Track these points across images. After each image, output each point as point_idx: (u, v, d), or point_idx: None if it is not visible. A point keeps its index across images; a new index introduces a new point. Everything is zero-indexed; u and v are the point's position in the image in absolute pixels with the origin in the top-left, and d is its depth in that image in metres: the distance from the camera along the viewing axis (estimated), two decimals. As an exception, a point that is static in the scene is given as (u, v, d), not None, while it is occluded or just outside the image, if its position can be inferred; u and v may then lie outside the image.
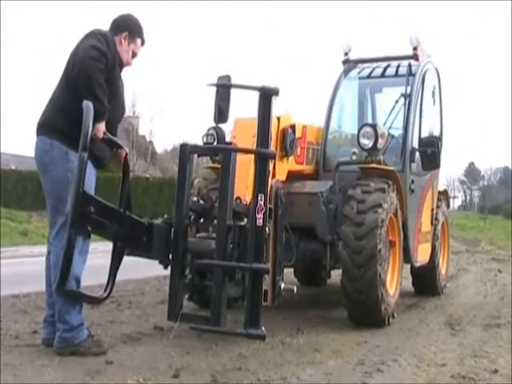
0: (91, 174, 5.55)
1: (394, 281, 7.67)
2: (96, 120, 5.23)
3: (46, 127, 5.59)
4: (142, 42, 6.05)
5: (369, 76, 9.60)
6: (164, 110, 56.61)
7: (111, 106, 5.56)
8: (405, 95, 8.61)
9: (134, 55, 6.00)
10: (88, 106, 4.98)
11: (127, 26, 5.91)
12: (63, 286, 4.93)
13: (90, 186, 5.47)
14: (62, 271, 4.87)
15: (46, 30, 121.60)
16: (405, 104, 8.60)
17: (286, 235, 6.52)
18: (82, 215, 5.01)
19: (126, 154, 5.84)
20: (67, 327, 5.40)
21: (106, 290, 5.54)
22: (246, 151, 5.95)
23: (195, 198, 5.99)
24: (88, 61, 5.31)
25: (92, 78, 5.29)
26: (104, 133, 5.45)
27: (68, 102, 5.45)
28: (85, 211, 5.02)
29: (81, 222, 5.07)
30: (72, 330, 5.41)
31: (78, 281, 5.45)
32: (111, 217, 5.40)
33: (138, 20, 6.03)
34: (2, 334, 6.10)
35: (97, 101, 5.25)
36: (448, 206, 10.86)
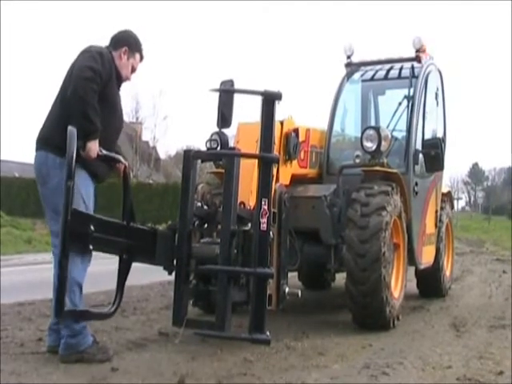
0: (89, 189, 5.64)
1: (399, 283, 7.66)
2: (87, 140, 5.30)
3: (42, 142, 5.65)
4: (141, 58, 6.10)
5: (371, 78, 9.61)
6: (167, 115, 56.43)
7: (108, 121, 5.62)
8: (408, 97, 8.62)
9: (133, 70, 6.05)
10: (72, 132, 4.97)
11: (126, 42, 5.95)
12: (62, 310, 4.93)
13: (88, 202, 5.55)
14: (58, 298, 4.88)
15: (49, 38, 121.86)
16: (408, 106, 8.61)
17: (290, 239, 6.51)
18: (82, 236, 5.05)
19: (125, 167, 5.83)
20: (71, 333, 5.41)
21: (114, 303, 5.56)
22: (250, 156, 5.94)
23: (199, 204, 6.00)
24: (82, 82, 5.35)
25: (85, 100, 5.33)
26: (99, 150, 5.46)
27: (63, 116, 5.45)
28: (84, 232, 5.06)
29: (81, 243, 5.12)
30: (76, 335, 5.42)
31: (80, 287, 5.46)
32: (113, 232, 5.43)
33: (136, 36, 6.08)
34: (7, 342, 6.11)
35: (88, 122, 5.32)
36: (452, 207, 10.84)
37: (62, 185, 5.17)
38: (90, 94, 5.34)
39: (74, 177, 4.87)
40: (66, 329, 5.43)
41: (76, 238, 5.01)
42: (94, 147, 5.37)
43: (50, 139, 5.50)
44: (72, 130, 4.97)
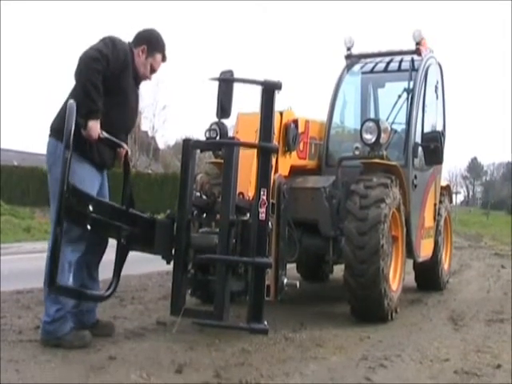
0: (94, 180, 5.69)
1: (397, 276, 7.67)
2: (88, 119, 5.35)
3: (54, 130, 5.69)
4: (163, 59, 6.09)
5: (371, 71, 9.60)
6: (166, 105, 56.23)
7: (119, 112, 5.70)
8: (407, 90, 8.60)
9: (152, 70, 6.05)
10: (71, 105, 5.00)
11: (147, 40, 5.96)
12: (54, 282, 4.96)
13: (91, 188, 5.57)
14: (50, 269, 4.92)
15: (50, 29, 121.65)
16: (407, 99, 8.59)
17: (289, 230, 6.51)
18: (80, 215, 5.09)
19: (127, 153, 5.86)
20: (49, 319, 5.52)
21: (110, 287, 5.60)
22: (249, 145, 5.93)
23: (198, 194, 6.00)
24: (86, 59, 5.41)
25: (87, 77, 5.39)
26: (101, 133, 5.48)
27: None
28: (82, 211, 5.10)
29: (79, 222, 5.17)
30: (53, 321, 5.51)
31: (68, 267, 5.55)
32: (112, 215, 5.45)
33: (160, 36, 6.07)
34: (5, 330, 6.12)
35: (89, 99, 5.36)
36: (451, 201, 10.85)
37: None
38: (93, 74, 5.38)
39: (71, 149, 4.90)
40: (45, 315, 5.56)
41: (74, 216, 5.05)
42: (94, 127, 5.41)
43: (60, 127, 5.51)
44: (72, 103, 5.01)
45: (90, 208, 5.17)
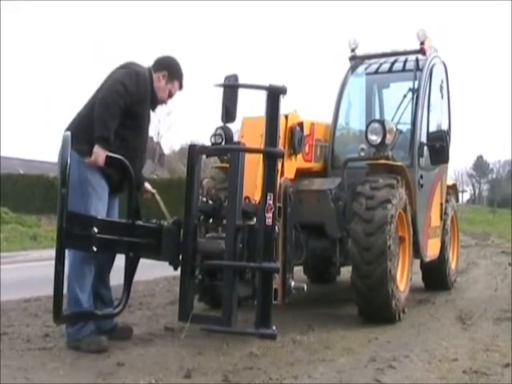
0: (104, 195, 5.75)
1: (404, 276, 7.65)
2: (97, 142, 5.49)
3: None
4: (180, 86, 6.32)
5: (376, 72, 9.59)
6: (171, 111, 56.13)
7: (133, 140, 5.87)
8: (412, 90, 8.58)
9: (170, 95, 6.28)
10: (66, 137, 5.05)
11: (167, 67, 6.20)
12: (59, 314, 5.11)
13: (99, 207, 5.65)
14: (55, 303, 5.00)
15: (52, 37, 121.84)
16: (412, 99, 8.57)
17: (296, 233, 6.51)
18: (83, 238, 5.14)
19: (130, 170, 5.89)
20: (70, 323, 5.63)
21: (120, 302, 5.67)
22: (255, 151, 5.93)
23: (204, 199, 6.00)
24: (112, 93, 5.60)
25: (108, 108, 5.55)
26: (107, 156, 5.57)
27: (88, 117, 5.65)
28: (86, 234, 5.15)
29: (84, 246, 5.23)
30: (74, 324, 5.64)
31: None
32: (119, 232, 5.50)
33: (179, 64, 6.32)
34: (14, 338, 6.14)
35: (103, 126, 5.51)
36: (457, 200, 10.82)
37: (77, 183, 5.30)
38: (115, 107, 5.57)
39: (68, 184, 4.95)
40: None
41: (77, 242, 5.09)
42: (100, 153, 5.51)
43: (73, 135, 5.56)
44: (66, 135, 5.05)
45: (95, 230, 5.24)
